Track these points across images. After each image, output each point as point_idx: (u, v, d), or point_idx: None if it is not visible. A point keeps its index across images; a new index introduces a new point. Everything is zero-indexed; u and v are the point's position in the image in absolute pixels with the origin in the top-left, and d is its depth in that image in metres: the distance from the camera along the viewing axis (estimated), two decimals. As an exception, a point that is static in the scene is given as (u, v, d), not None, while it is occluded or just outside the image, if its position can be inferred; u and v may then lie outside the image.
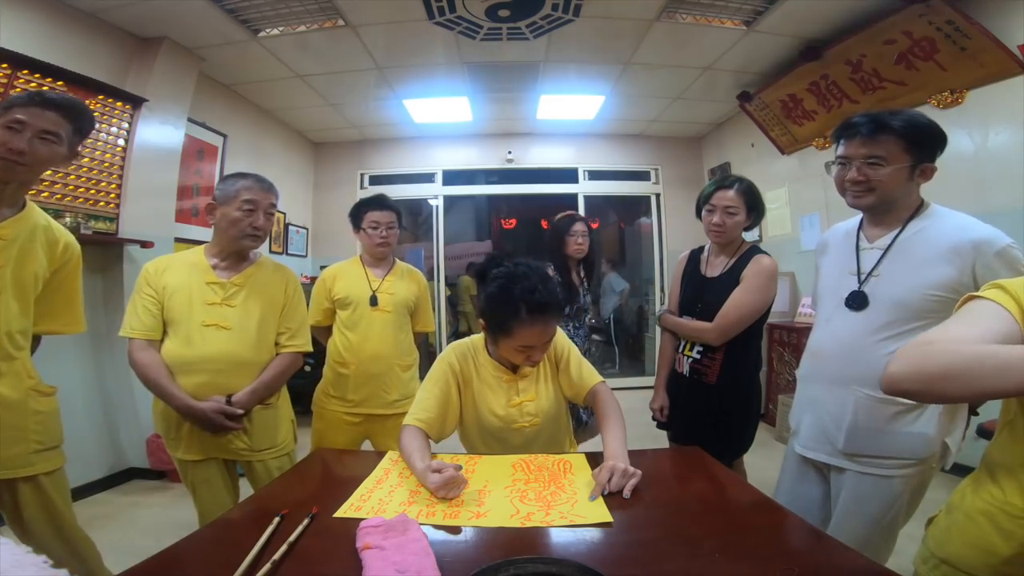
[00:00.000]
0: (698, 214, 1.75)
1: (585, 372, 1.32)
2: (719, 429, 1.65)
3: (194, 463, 1.47)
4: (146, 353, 1.43)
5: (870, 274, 1.19)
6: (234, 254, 1.52)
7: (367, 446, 2.00)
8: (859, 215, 1.27)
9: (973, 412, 1.24)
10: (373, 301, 1.93)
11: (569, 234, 2.26)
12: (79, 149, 1.28)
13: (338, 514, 0.92)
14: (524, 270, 1.19)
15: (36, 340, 1.35)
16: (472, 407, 1.30)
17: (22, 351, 1.25)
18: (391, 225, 1.98)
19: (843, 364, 1.20)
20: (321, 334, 2.07)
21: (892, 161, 1.12)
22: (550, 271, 1.65)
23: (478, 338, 1.34)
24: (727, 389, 1.66)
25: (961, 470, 0.91)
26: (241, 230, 1.45)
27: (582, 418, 2.14)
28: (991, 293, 0.76)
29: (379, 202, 1.99)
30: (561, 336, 1.35)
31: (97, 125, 2.74)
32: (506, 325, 1.16)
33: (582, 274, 2.37)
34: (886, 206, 1.18)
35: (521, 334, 1.16)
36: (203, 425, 1.40)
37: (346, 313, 1.95)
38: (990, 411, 1.10)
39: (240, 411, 1.42)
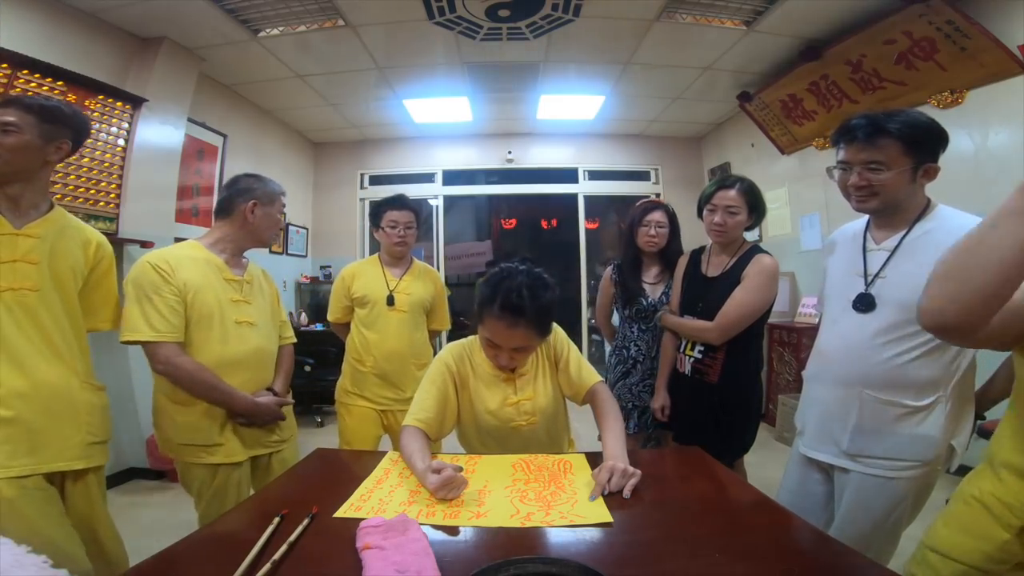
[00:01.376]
0: (699, 214, 1.75)
1: (584, 371, 1.32)
2: (720, 429, 1.66)
3: (234, 466, 1.42)
4: (187, 358, 1.35)
5: (876, 276, 1.18)
6: (241, 251, 1.56)
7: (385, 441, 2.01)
8: (865, 215, 1.27)
9: (979, 416, 1.24)
10: (390, 301, 1.98)
11: (642, 224, 1.96)
12: (67, 144, 1.26)
13: (338, 514, 0.92)
14: (521, 274, 1.19)
15: None
16: (469, 406, 1.31)
17: (71, 344, 1.26)
18: (409, 225, 2.01)
19: (849, 365, 1.20)
20: (341, 331, 2.13)
21: (893, 165, 1.11)
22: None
23: (475, 338, 1.34)
24: (728, 389, 1.66)
25: (966, 472, 0.91)
26: (279, 230, 1.59)
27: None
28: None
29: (398, 202, 2.02)
30: (561, 335, 1.35)
31: (97, 125, 2.74)
32: (481, 314, 1.20)
33: (664, 270, 2.02)
34: (891, 209, 1.17)
35: (489, 326, 1.18)
36: (263, 420, 1.45)
37: (364, 312, 2.00)
38: (994, 412, 1.10)
39: (292, 400, 1.53)
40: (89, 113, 2.70)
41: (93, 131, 2.72)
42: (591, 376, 1.32)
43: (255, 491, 1.45)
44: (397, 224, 1.99)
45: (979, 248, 0.67)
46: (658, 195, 5.44)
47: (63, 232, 1.28)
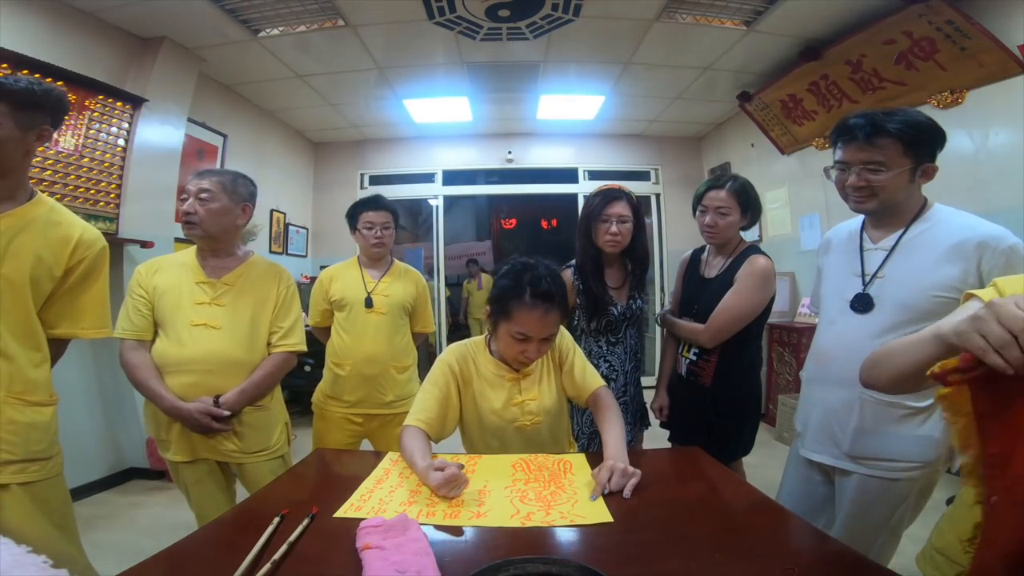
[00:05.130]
0: (694, 214, 1.74)
1: (588, 375, 1.33)
2: (714, 431, 1.64)
3: (185, 464, 1.46)
4: (135, 354, 1.43)
5: (874, 276, 1.18)
6: (210, 251, 1.52)
7: (366, 445, 2.00)
8: (861, 215, 1.26)
9: None
10: (368, 303, 1.93)
11: (601, 219, 1.65)
12: (48, 130, 1.17)
13: (338, 514, 0.92)
14: (537, 263, 1.23)
15: (62, 345, 1.28)
16: (473, 406, 1.31)
17: (9, 358, 1.12)
18: (386, 225, 1.97)
19: (848, 367, 1.18)
20: (321, 335, 2.08)
21: (892, 165, 1.10)
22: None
23: (479, 339, 1.35)
24: (721, 391, 1.64)
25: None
26: (183, 223, 1.49)
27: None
28: (985, 293, 0.76)
29: (374, 202, 1.99)
30: (566, 337, 1.36)
31: (97, 125, 2.74)
32: (508, 307, 1.19)
33: (627, 272, 1.76)
34: (889, 209, 1.16)
35: (520, 318, 1.17)
36: (191, 426, 1.40)
37: (342, 315, 1.96)
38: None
39: (226, 412, 1.41)
40: (89, 113, 2.70)
41: (93, 131, 2.72)
42: (595, 380, 1.33)
43: (247, 494, 1.44)
44: (373, 225, 1.95)
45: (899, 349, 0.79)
46: (657, 195, 5.45)
47: (29, 227, 1.14)
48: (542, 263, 1.24)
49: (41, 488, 1.17)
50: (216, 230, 1.49)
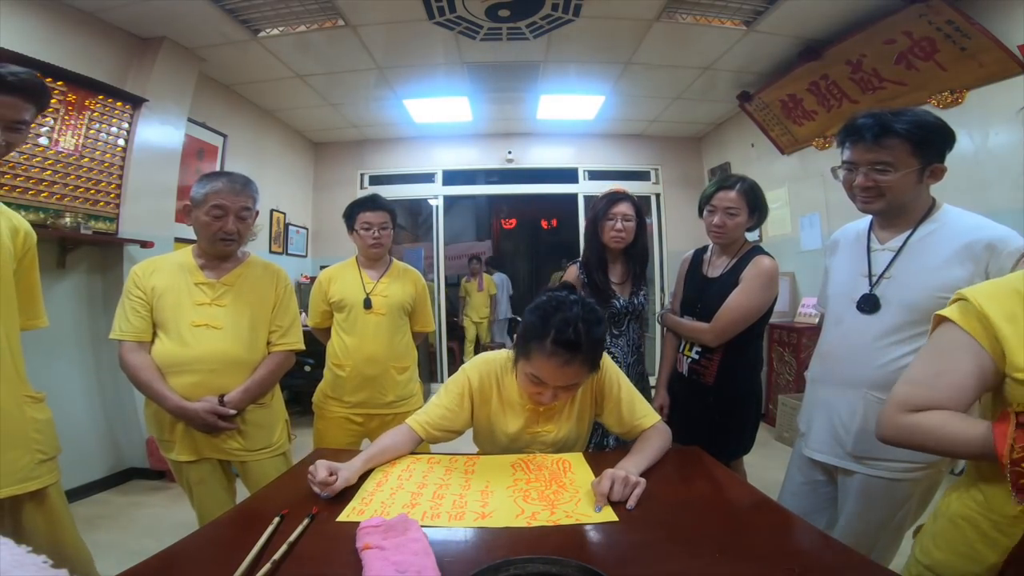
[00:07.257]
0: (700, 214, 1.74)
1: (639, 410, 1.24)
2: (717, 430, 1.64)
3: (189, 464, 1.46)
4: (136, 355, 1.42)
5: (881, 276, 1.17)
6: (217, 255, 1.52)
7: (366, 445, 2.00)
8: (869, 215, 1.25)
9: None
10: (367, 304, 1.93)
11: (607, 218, 1.80)
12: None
13: (341, 518, 0.91)
14: (575, 304, 1.10)
15: None
16: (487, 424, 1.28)
17: (13, 353, 1.12)
18: (384, 226, 1.96)
19: (854, 367, 1.19)
20: (321, 335, 2.08)
21: (900, 166, 1.09)
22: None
23: (509, 357, 1.25)
24: (724, 390, 1.65)
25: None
26: (212, 235, 1.44)
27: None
28: (954, 313, 0.78)
29: (371, 202, 1.98)
30: (609, 369, 1.26)
31: (97, 125, 2.74)
32: (528, 347, 1.10)
33: (629, 268, 1.89)
34: (897, 209, 1.15)
35: (537, 362, 1.08)
36: (196, 426, 1.40)
37: (341, 316, 1.96)
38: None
39: (233, 411, 1.42)
40: (89, 113, 2.69)
41: (93, 131, 2.72)
42: (648, 417, 1.24)
43: (247, 492, 1.44)
44: (371, 226, 1.94)
45: (944, 442, 0.76)
46: (657, 195, 5.45)
47: None
48: (581, 303, 1.10)
49: (60, 487, 1.22)
50: (244, 241, 1.52)
